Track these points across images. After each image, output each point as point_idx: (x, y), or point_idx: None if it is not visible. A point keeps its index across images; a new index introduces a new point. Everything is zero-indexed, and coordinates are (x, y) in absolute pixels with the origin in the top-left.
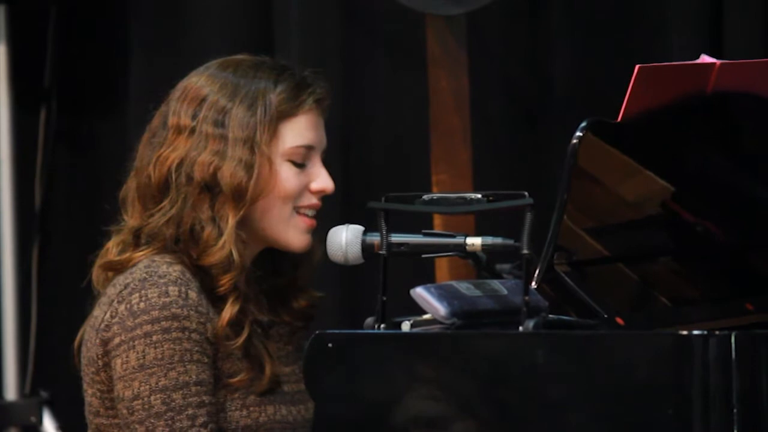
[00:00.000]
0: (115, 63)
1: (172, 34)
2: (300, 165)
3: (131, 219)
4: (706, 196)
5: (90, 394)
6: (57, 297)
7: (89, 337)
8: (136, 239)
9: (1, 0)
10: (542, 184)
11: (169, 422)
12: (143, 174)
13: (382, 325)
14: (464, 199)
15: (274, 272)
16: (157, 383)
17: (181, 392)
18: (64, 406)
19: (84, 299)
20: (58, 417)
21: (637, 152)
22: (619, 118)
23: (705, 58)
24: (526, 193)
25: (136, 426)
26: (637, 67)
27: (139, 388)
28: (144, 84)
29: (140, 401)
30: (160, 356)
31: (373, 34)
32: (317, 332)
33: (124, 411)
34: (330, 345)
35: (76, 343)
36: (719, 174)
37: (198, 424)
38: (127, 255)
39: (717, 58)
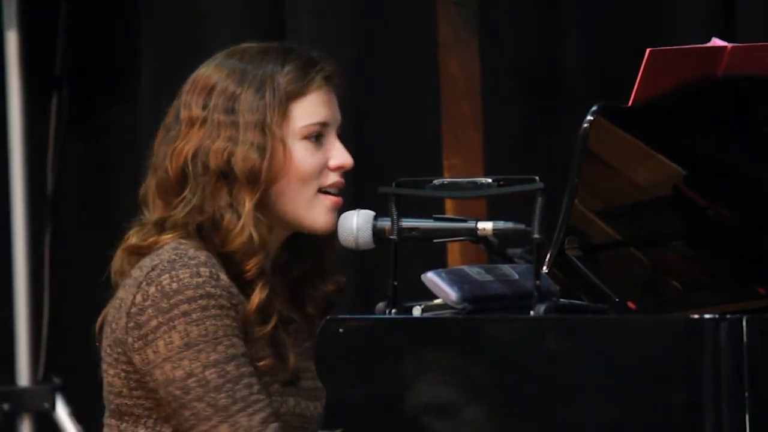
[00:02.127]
0: (126, 49)
1: (183, 20)
2: (316, 143)
3: (153, 214)
4: (717, 180)
5: (112, 375)
6: (69, 283)
7: (114, 318)
8: (160, 229)
9: None
10: (553, 168)
11: (230, 393)
12: (161, 170)
13: (393, 310)
14: (475, 183)
15: (300, 258)
16: (207, 358)
17: (233, 363)
18: (77, 392)
19: (96, 285)
20: (70, 403)
21: (648, 136)
22: (630, 102)
23: (716, 42)
24: (537, 178)
25: (195, 404)
26: (648, 50)
27: (190, 366)
28: (155, 70)
29: (195, 378)
30: (204, 332)
31: (384, 19)
32: (328, 317)
33: (177, 392)
34: (341, 330)
35: (97, 324)
36: (730, 157)
37: (256, 392)
38: (152, 239)
39: (728, 41)
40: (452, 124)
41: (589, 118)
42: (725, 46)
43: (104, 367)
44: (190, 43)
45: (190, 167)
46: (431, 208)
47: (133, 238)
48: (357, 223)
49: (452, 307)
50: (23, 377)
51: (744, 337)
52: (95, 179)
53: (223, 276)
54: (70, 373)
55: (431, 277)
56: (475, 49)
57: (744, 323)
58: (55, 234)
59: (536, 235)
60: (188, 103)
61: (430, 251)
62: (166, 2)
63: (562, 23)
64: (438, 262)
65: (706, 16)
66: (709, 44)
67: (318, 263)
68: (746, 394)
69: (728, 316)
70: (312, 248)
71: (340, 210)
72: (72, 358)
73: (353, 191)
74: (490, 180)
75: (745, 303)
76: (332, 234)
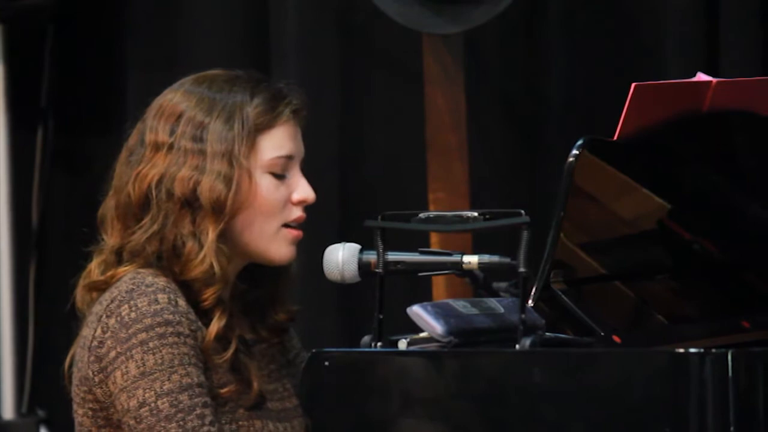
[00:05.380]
0: (112, 82)
1: (169, 54)
2: (280, 176)
3: (111, 238)
4: (703, 214)
5: (81, 414)
6: (54, 316)
7: (80, 356)
8: (118, 257)
9: None
10: (539, 201)
11: (181, 423)
12: (122, 193)
13: (379, 344)
14: (461, 217)
15: (255, 286)
16: (161, 387)
17: (186, 393)
18: (61, 424)
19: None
20: None
21: (633, 170)
22: (616, 136)
23: (701, 76)
24: (523, 212)
25: None
26: (633, 85)
27: (144, 396)
28: (141, 103)
29: (147, 408)
30: (160, 361)
31: (371, 52)
32: (314, 351)
33: (132, 422)
34: (327, 363)
35: (66, 364)
36: (715, 191)
37: (207, 423)
38: (110, 273)
39: (713, 76)
40: (438, 157)
41: (575, 152)
42: (710, 81)
43: (74, 407)
44: (176, 77)
45: (154, 193)
46: (417, 241)
47: (93, 271)
48: (342, 257)
49: (438, 341)
50: (7, 410)
51: (729, 371)
52: (80, 211)
53: (182, 302)
54: (54, 405)
55: (417, 311)
56: (461, 82)
57: (729, 357)
58: (40, 266)
59: (522, 269)
60: (155, 127)
61: (415, 285)
62: (152, 36)
63: (548, 56)
64: (423, 295)
65: (691, 49)
66: (694, 79)
67: (271, 292)
68: (732, 428)
69: (713, 350)
70: (266, 277)
71: (317, 247)
72: (57, 390)
73: (339, 224)
74: (475, 213)
75: (730, 336)
76: (287, 264)
